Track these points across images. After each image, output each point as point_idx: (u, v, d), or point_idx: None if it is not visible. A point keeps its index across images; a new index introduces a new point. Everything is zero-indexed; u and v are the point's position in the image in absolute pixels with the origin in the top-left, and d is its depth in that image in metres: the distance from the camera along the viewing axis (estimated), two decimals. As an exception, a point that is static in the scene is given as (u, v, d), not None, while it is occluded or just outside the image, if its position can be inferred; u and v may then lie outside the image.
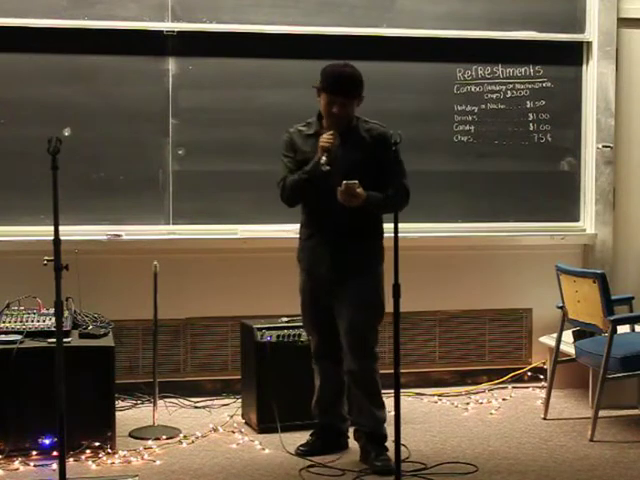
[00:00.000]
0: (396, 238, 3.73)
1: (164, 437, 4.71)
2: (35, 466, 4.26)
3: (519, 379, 5.89)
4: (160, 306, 4.85)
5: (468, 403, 5.45)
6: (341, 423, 4.54)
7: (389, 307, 3.93)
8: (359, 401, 4.33)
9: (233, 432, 4.83)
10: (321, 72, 4.24)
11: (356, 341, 4.24)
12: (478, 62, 5.82)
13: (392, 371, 3.85)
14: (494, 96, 5.87)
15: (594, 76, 5.94)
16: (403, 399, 4.70)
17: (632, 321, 5.19)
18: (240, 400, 5.16)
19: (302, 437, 4.68)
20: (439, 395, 5.60)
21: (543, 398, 5.27)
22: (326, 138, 4.13)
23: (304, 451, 4.46)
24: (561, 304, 5.11)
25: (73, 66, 5.38)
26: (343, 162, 4.15)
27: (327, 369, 4.45)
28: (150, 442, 4.63)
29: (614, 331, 4.70)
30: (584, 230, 6.03)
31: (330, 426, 4.53)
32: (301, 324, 4.87)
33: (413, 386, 5.68)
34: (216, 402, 5.41)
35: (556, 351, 5.20)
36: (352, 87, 4.18)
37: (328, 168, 4.07)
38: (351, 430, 4.50)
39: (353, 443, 4.49)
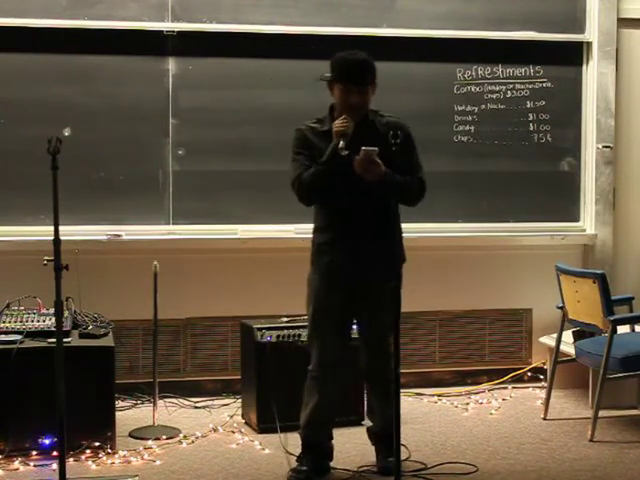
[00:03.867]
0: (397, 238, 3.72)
1: (164, 437, 4.71)
2: (35, 466, 4.26)
3: (519, 379, 5.89)
4: (160, 306, 4.84)
5: (468, 403, 5.45)
6: (328, 441, 4.28)
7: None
8: (372, 400, 4.32)
9: (233, 432, 4.83)
10: (331, 62, 4.08)
11: (376, 342, 4.14)
12: (478, 62, 5.82)
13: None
14: (494, 96, 5.87)
15: (594, 76, 5.95)
16: (403, 399, 4.71)
17: (632, 321, 5.18)
18: (240, 400, 5.16)
19: (302, 437, 4.70)
20: (439, 395, 5.60)
21: (543, 398, 5.27)
22: (339, 123, 3.98)
23: (296, 477, 4.14)
24: (561, 304, 5.11)
25: (73, 66, 5.38)
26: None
27: (328, 380, 4.15)
28: (150, 442, 4.63)
29: (614, 331, 4.70)
30: (584, 230, 6.03)
31: (319, 446, 4.22)
32: (301, 324, 4.89)
33: (413, 386, 5.68)
34: (216, 402, 5.41)
35: (556, 351, 5.20)
36: (367, 74, 4.04)
37: (347, 152, 3.91)
38: (364, 429, 4.47)
39: (355, 441, 4.48)
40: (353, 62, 4.03)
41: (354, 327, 4.26)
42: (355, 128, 3.98)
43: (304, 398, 4.22)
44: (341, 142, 3.94)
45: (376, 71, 4.08)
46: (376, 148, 3.87)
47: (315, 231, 4.21)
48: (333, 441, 4.29)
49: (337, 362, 4.15)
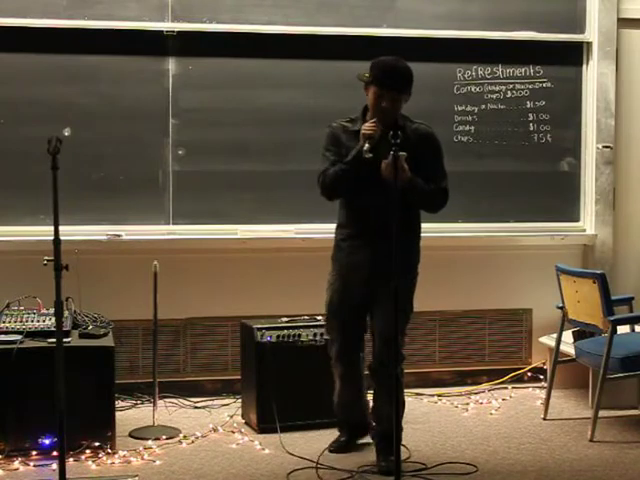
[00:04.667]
0: (396, 238, 3.72)
1: (164, 437, 4.71)
2: (35, 466, 4.26)
3: (519, 379, 5.89)
4: (160, 306, 4.84)
5: (468, 403, 5.45)
6: (363, 418, 4.54)
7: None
8: (377, 400, 4.33)
9: (233, 432, 4.83)
10: (372, 65, 4.18)
11: (387, 342, 4.15)
12: (478, 62, 5.82)
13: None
14: (494, 96, 5.87)
15: (594, 76, 5.94)
16: (403, 399, 4.72)
17: (632, 321, 5.19)
18: (240, 400, 5.16)
19: (302, 437, 4.70)
20: (439, 395, 5.60)
21: (543, 398, 5.27)
22: (368, 126, 4.08)
23: (335, 447, 4.49)
24: (561, 304, 5.11)
25: (73, 66, 5.37)
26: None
27: (346, 371, 4.42)
28: (150, 442, 4.63)
29: (614, 331, 4.70)
30: (584, 230, 6.03)
31: (353, 423, 4.54)
32: (301, 324, 4.92)
33: (413, 386, 5.67)
34: (216, 402, 5.41)
35: (556, 351, 5.20)
36: (404, 82, 4.14)
37: (371, 155, 4.02)
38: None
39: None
40: (392, 68, 4.15)
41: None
42: (383, 133, 4.05)
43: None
44: (366, 145, 4.04)
45: (413, 81, 4.18)
46: (405, 153, 3.94)
47: (336, 228, 4.38)
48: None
49: (352, 356, 4.37)
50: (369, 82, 4.16)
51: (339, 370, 4.44)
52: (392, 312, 4.02)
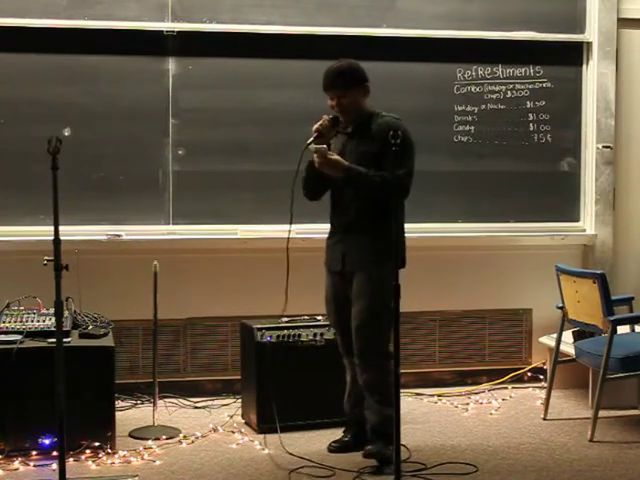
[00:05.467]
0: (396, 238, 3.72)
1: (164, 437, 4.71)
2: (35, 466, 4.26)
3: (519, 379, 5.89)
4: (160, 306, 4.84)
5: (468, 403, 5.45)
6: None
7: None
8: (365, 392, 4.35)
9: (233, 432, 4.83)
10: None
11: (357, 331, 4.29)
12: (478, 62, 5.82)
13: (391, 370, 3.85)
14: (494, 96, 5.87)
15: (594, 76, 5.95)
16: (403, 399, 4.72)
17: (632, 321, 5.19)
18: (240, 400, 5.16)
19: (302, 437, 4.69)
20: (439, 395, 5.60)
21: (543, 398, 5.27)
22: (317, 122, 4.26)
23: (336, 447, 4.51)
24: (561, 304, 5.11)
25: (73, 66, 5.38)
26: (352, 155, 4.24)
27: (352, 365, 4.47)
28: (150, 442, 4.63)
29: (614, 331, 4.69)
30: (584, 230, 6.03)
31: (358, 419, 4.51)
32: (301, 324, 4.96)
33: (413, 386, 5.68)
34: (216, 402, 5.41)
35: (556, 351, 5.20)
36: (338, 80, 4.27)
37: (315, 147, 4.19)
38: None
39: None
40: (326, 72, 4.33)
41: None
42: (348, 130, 4.29)
43: None
44: (310, 139, 4.22)
45: (356, 74, 4.31)
46: (324, 145, 4.17)
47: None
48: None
49: (346, 346, 4.42)
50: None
51: (346, 364, 4.52)
52: (361, 301, 4.24)
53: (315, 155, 4.21)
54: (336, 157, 4.19)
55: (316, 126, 4.25)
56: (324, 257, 4.51)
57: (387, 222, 4.18)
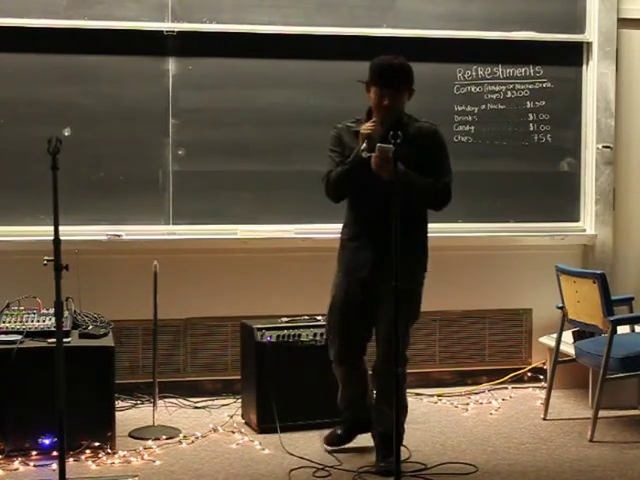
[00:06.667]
0: (396, 239, 3.72)
1: (164, 437, 4.71)
2: (35, 466, 4.26)
3: (519, 379, 5.89)
4: (160, 306, 4.84)
5: (468, 403, 5.45)
6: (367, 414, 4.46)
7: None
8: (378, 400, 4.32)
9: (233, 432, 4.83)
10: (370, 66, 4.19)
11: (389, 341, 4.12)
12: (478, 62, 5.82)
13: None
14: (494, 96, 5.87)
15: (594, 76, 5.94)
16: (403, 399, 4.72)
17: (632, 321, 5.19)
18: (240, 400, 5.16)
19: (302, 437, 4.69)
20: (439, 395, 5.60)
21: (543, 398, 5.27)
22: (367, 126, 4.08)
23: (332, 440, 4.51)
24: (561, 304, 5.11)
25: (73, 66, 5.37)
26: None
27: (348, 373, 4.42)
28: (150, 442, 4.63)
29: (614, 331, 4.69)
30: (584, 230, 6.03)
31: (356, 419, 4.51)
32: (301, 324, 4.91)
33: (413, 386, 5.67)
34: (216, 402, 5.41)
35: (556, 351, 5.20)
36: (401, 79, 4.13)
37: (369, 155, 3.99)
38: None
39: (355, 441, 4.52)
40: (387, 66, 4.15)
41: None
42: (385, 133, 4.00)
43: None
44: (364, 145, 4.02)
45: (412, 77, 4.18)
46: (391, 146, 3.86)
47: (342, 228, 4.37)
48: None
49: (352, 358, 4.36)
50: (369, 83, 4.18)
51: (340, 372, 4.44)
52: (393, 312, 4.02)
53: (377, 155, 3.96)
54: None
55: (367, 132, 4.04)
56: (341, 260, 4.34)
57: (422, 230, 4.24)
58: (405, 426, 4.29)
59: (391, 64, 4.15)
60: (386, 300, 4.10)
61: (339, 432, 4.55)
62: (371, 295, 4.24)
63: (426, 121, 4.29)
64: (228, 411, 5.18)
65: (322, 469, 4.24)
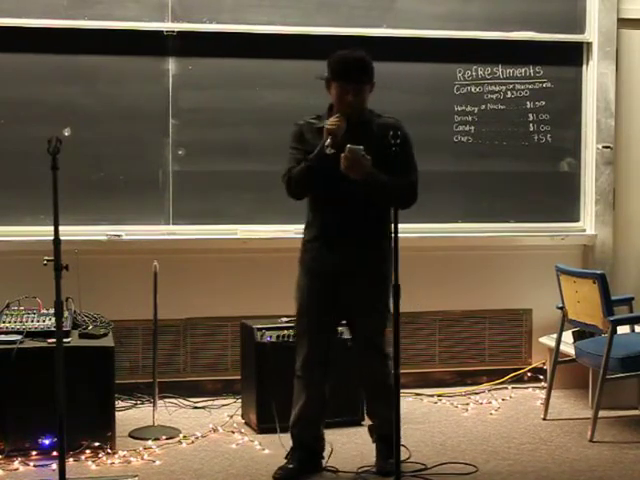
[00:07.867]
0: (396, 238, 3.72)
1: (164, 437, 4.71)
2: (35, 466, 4.26)
3: (519, 379, 5.89)
4: (160, 306, 4.84)
5: (468, 403, 5.45)
6: (318, 442, 4.25)
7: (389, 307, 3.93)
8: (368, 400, 4.31)
9: (233, 432, 4.83)
10: (328, 61, 4.08)
11: (363, 342, 4.15)
12: (478, 62, 5.82)
13: (392, 371, 3.83)
14: (494, 96, 5.87)
15: (594, 76, 5.94)
16: (403, 399, 4.72)
17: (632, 321, 5.19)
18: (240, 400, 5.16)
19: (302, 437, 4.69)
20: (439, 395, 5.60)
21: (543, 398, 5.27)
22: (332, 121, 3.96)
23: (282, 475, 4.16)
24: (561, 304, 5.11)
25: (73, 66, 5.38)
26: None
27: (314, 379, 4.16)
28: (150, 442, 4.63)
29: (614, 331, 4.69)
30: (584, 230, 6.03)
31: (307, 445, 4.22)
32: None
33: (413, 386, 5.68)
34: (216, 402, 5.41)
35: (556, 351, 5.20)
36: (364, 73, 4.03)
37: (333, 151, 3.90)
38: (364, 428, 4.46)
39: (340, 448, 4.50)
40: (349, 61, 4.03)
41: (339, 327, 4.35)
42: (349, 128, 3.96)
43: (294, 396, 4.22)
44: (328, 140, 3.92)
45: (373, 70, 4.07)
46: (361, 146, 3.86)
47: (304, 228, 4.26)
48: (326, 441, 4.28)
49: (322, 362, 4.16)
50: (329, 79, 4.06)
51: (305, 380, 4.16)
52: (368, 309, 4.07)
53: (347, 156, 3.89)
54: (368, 158, 3.92)
55: (332, 127, 3.92)
56: (304, 262, 4.17)
57: (387, 226, 4.07)
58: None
59: (353, 58, 4.04)
60: (353, 295, 4.07)
61: (291, 466, 4.19)
62: (336, 295, 4.11)
63: (389, 116, 4.14)
64: (228, 411, 5.18)
65: (322, 469, 4.23)
